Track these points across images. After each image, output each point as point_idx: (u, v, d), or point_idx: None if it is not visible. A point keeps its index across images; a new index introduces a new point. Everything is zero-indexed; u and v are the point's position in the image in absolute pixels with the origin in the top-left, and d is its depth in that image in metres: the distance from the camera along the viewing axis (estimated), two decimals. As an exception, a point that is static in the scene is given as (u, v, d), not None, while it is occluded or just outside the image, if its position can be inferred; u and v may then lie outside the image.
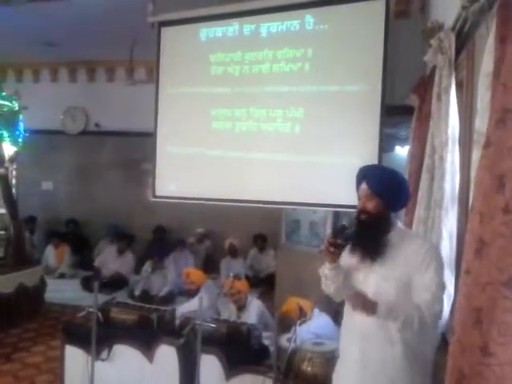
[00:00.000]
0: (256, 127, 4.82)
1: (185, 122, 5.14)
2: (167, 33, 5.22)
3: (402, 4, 4.76)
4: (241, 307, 4.34)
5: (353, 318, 2.23)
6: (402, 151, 5.93)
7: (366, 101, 4.33)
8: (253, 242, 7.93)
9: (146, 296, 6.48)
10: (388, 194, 2.22)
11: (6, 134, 5.92)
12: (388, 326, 2.12)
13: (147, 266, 6.82)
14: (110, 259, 7.52)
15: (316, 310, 3.77)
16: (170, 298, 6.51)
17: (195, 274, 4.90)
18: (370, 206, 2.21)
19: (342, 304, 2.42)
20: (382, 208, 2.20)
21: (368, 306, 2.11)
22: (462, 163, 2.47)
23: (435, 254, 2.16)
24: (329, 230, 5.56)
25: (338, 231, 2.22)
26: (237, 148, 4.91)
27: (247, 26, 4.80)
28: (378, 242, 2.17)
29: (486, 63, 1.59)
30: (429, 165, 2.77)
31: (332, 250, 2.18)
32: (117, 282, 7.13)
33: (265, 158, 4.79)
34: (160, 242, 8.19)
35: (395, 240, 2.18)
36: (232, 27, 4.87)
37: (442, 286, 2.10)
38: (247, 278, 5.99)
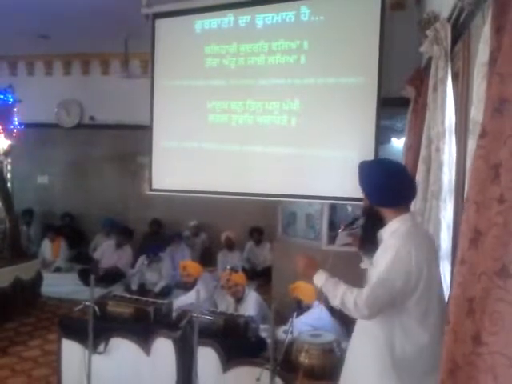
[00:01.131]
0: (252, 120, 4.81)
1: (181, 114, 5.12)
2: (162, 25, 5.19)
3: (397, -5, 4.75)
4: (238, 299, 4.35)
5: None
6: (398, 143, 5.95)
7: (363, 93, 4.33)
8: (249, 235, 7.93)
9: (142, 290, 6.50)
10: (366, 190, 2.20)
11: (0, 127, 5.88)
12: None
13: (142, 260, 6.81)
14: (108, 252, 7.51)
15: (316, 302, 3.78)
16: (166, 292, 6.51)
17: (192, 267, 4.89)
18: (365, 202, 2.23)
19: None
20: (368, 204, 2.20)
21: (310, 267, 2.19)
22: (458, 153, 2.47)
23: (390, 251, 2.04)
24: (325, 223, 5.57)
25: (350, 223, 2.25)
26: (233, 141, 4.90)
27: (242, 17, 4.78)
28: (367, 238, 2.19)
29: (482, 53, 1.59)
30: (425, 156, 2.78)
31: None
32: (114, 276, 7.13)
33: (261, 151, 4.79)
34: (156, 236, 8.18)
35: (385, 237, 2.14)
36: (227, 19, 4.85)
37: (381, 281, 2.00)
38: (244, 270, 6.00)
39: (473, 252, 1.37)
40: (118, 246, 7.50)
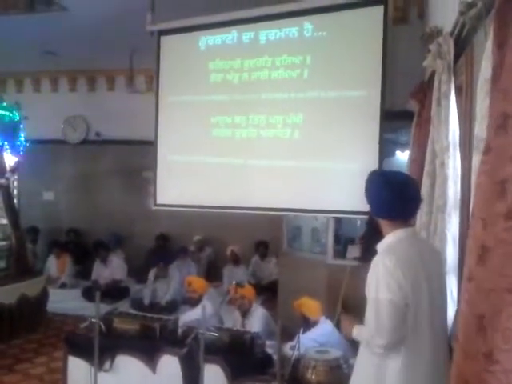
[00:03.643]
0: (256, 134, 4.83)
1: (185, 129, 5.15)
2: (167, 41, 5.24)
3: (400, 10, 4.78)
4: (245, 313, 4.32)
5: None
6: (402, 156, 5.93)
7: (366, 106, 4.34)
8: (254, 249, 7.91)
9: (153, 304, 6.52)
10: (367, 200, 2.20)
11: (6, 144, 5.93)
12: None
13: (151, 275, 6.82)
14: (99, 271, 7.52)
15: (322, 317, 3.76)
16: (172, 307, 6.49)
17: (197, 283, 4.88)
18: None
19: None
20: (371, 215, 2.23)
21: (348, 327, 2.17)
22: (462, 168, 2.46)
23: (375, 267, 2.03)
24: (330, 237, 5.55)
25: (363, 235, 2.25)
26: (237, 155, 4.91)
27: (246, 33, 4.82)
28: (367, 248, 2.18)
29: (485, 69, 1.59)
30: (429, 170, 2.77)
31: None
32: (117, 291, 7.12)
33: (265, 165, 4.79)
34: (162, 250, 8.17)
35: (379, 251, 2.12)
36: (231, 35, 4.89)
37: (376, 303, 1.98)
38: (250, 285, 5.97)
39: (480, 268, 1.36)
40: (103, 261, 7.49)
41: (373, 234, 2.22)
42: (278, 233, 6.58)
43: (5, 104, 5.99)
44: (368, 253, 2.19)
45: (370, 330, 2.00)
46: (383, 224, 2.15)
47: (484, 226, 1.35)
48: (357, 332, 2.13)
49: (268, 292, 6.97)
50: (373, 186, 2.16)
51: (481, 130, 1.58)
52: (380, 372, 2.02)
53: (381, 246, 2.13)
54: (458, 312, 1.96)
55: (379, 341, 1.96)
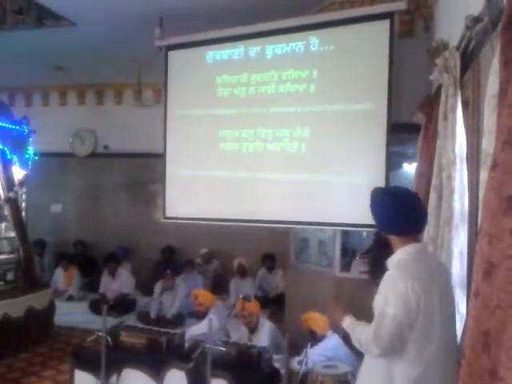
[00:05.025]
0: (263, 147, 4.85)
1: (193, 143, 5.19)
2: (174, 56, 5.30)
3: (406, 24, 4.80)
4: (252, 330, 4.30)
5: None
6: (409, 168, 5.92)
7: (372, 119, 4.35)
8: (261, 262, 7.89)
9: (159, 317, 6.51)
10: (373, 217, 2.23)
11: (15, 157, 5.98)
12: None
13: (157, 287, 6.81)
14: (107, 284, 7.53)
15: (330, 331, 3.73)
16: (178, 320, 6.47)
17: (204, 296, 4.86)
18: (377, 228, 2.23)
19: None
20: (379, 232, 2.25)
21: (339, 314, 2.22)
22: (469, 181, 2.46)
23: (388, 282, 2.08)
24: (338, 250, 5.53)
25: (366, 252, 2.26)
26: (244, 168, 4.94)
27: (253, 48, 4.86)
28: (376, 265, 2.19)
29: (492, 84, 1.59)
30: (436, 184, 2.77)
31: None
32: (124, 304, 7.12)
33: (272, 178, 4.81)
34: (168, 263, 8.16)
35: (390, 266, 2.16)
36: (238, 50, 4.94)
37: (382, 315, 2.03)
38: (256, 298, 5.94)
39: (486, 284, 1.35)
40: (112, 273, 7.50)
41: (381, 250, 2.22)
42: (284, 245, 6.56)
43: (14, 118, 6.06)
44: (377, 268, 2.19)
45: (368, 337, 2.06)
46: (393, 240, 2.17)
47: (490, 241, 1.35)
48: (350, 326, 2.20)
49: (275, 305, 6.94)
50: (379, 203, 2.19)
51: (488, 145, 1.58)
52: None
53: (391, 262, 2.15)
54: (465, 327, 1.95)
55: (374, 349, 2.06)
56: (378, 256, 2.22)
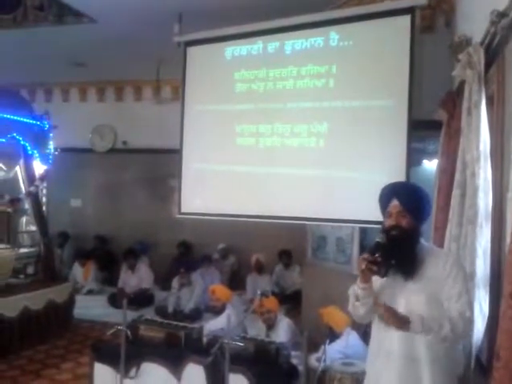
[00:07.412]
0: (280, 142, 4.83)
1: (210, 138, 5.19)
2: (193, 52, 5.31)
3: (427, 19, 4.73)
4: (270, 326, 4.30)
5: (379, 334, 2.26)
6: (429, 165, 5.85)
7: (392, 116, 4.30)
8: (278, 258, 7.88)
9: (177, 312, 6.55)
10: (419, 211, 2.28)
11: (36, 152, 6.07)
12: (413, 344, 2.13)
13: (175, 283, 6.85)
14: (126, 278, 7.60)
15: (348, 329, 3.71)
16: (196, 315, 6.51)
17: (221, 291, 4.88)
18: (404, 222, 2.23)
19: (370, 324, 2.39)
20: (413, 224, 2.24)
21: (401, 318, 2.08)
22: (494, 179, 2.42)
23: (460, 265, 2.25)
24: (356, 247, 5.49)
25: (375, 248, 2.18)
26: (261, 163, 4.92)
27: (271, 43, 4.84)
28: (412, 259, 2.16)
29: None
30: (460, 181, 2.73)
31: (374, 268, 2.15)
32: (142, 298, 7.18)
33: (289, 173, 4.78)
34: (184, 258, 8.20)
35: (421, 255, 2.22)
36: (256, 45, 4.92)
37: (470, 295, 2.19)
38: (273, 294, 5.94)
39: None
40: (131, 268, 7.57)
41: (394, 247, 2.19)
42: (301, 242, 6.54)
43: (35, 113, 6.14)
44: (389, 267, 2.16)
45: (465, 320, 2.05)
46: (419, 231, 2.29)
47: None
48: (424, 323, 2.05)
49: (291, 301, 6.92)
50: (426, 194, 2.34)
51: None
52: None
53: (422, 250, 2.25)
54: (490, 327, 1.92)
55: (470, 330, 2.17)
56: (398, 253, 2.18)
